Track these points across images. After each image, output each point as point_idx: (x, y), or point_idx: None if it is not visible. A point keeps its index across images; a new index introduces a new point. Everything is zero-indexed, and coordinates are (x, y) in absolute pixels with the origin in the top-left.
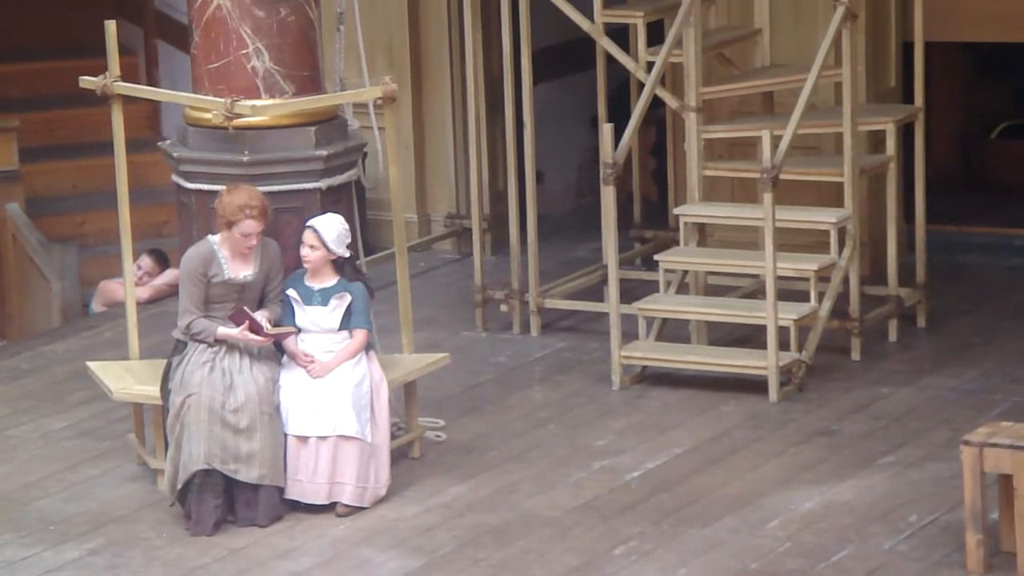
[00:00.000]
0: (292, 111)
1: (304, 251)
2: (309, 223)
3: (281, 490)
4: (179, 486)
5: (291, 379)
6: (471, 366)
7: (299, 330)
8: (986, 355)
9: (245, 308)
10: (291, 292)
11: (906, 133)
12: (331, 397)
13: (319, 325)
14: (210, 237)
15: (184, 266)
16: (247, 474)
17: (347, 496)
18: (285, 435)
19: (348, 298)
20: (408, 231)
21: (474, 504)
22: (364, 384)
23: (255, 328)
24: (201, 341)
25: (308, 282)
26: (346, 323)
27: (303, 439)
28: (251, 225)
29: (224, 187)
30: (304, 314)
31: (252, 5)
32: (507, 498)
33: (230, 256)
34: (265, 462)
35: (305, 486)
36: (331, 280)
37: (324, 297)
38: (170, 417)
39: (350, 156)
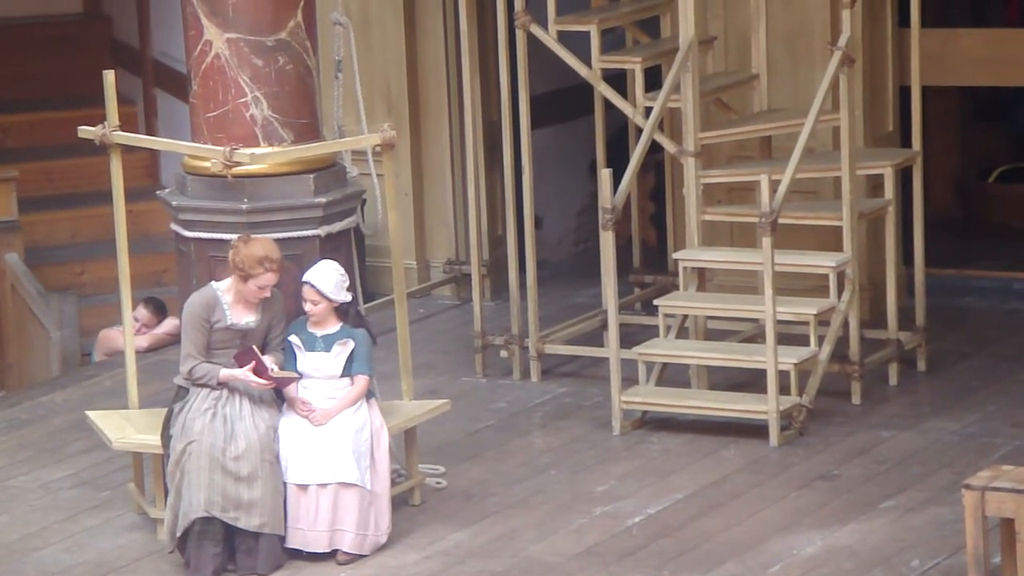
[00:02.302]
0: (291, 159)
1: (307, 307)
2: (305, 279)
3: (282, 538)
4: (179, 533)
5: (290, 427)
6: (471, 412)
7: (301, 376)
8: (987, 399)
9: (253, 347)
10: (293, 338)
11: (904, 177)
12: (331, 444)
13: (321, 371)
14: (213, 283)
15: (187, 312)
16: (247, 522)
17: (348, 544)
18: (285, 483)
19: (351, 344)
20: (407, 277)
21: (475, 551)
22: (364, 431)
23: (260, 371)
24: (204, 385)
25: (311, 328)
26: (348, 369)
27: (303, 487)
28: (270, 278)
29: (236, 237)
30: (306, 360)
31: (250, 54)
32: (508, 544)
33: (233, 302)
34: (266, 510)
35: (306, 534)
36: (334, 326)
37: (327, 343)
38: (170, 464)
39: (349, 203)
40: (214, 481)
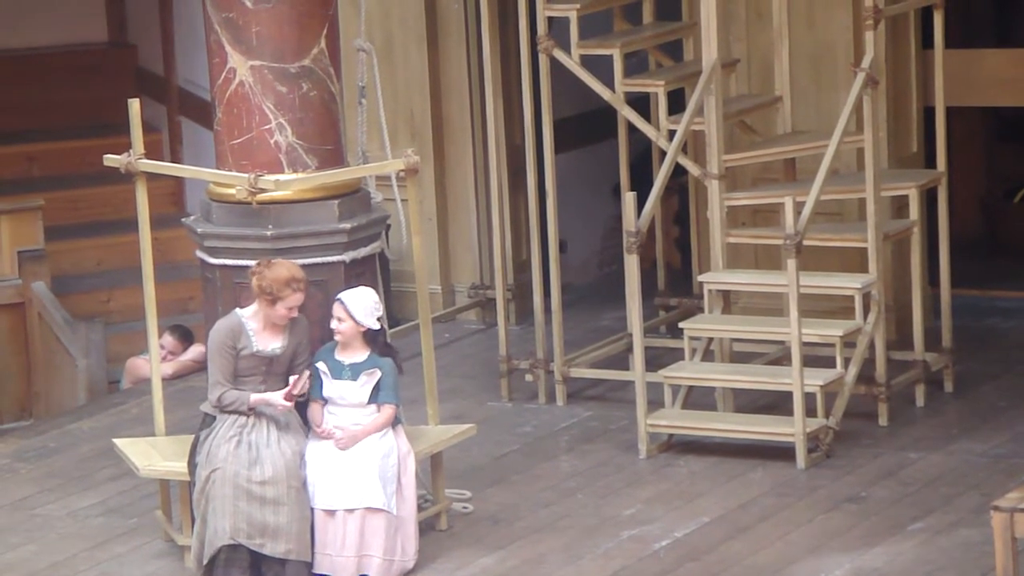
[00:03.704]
0: (315, 185)
1: (333, 323)
2: (338, 296)
3: (309, 564)
4: (205, 561)
5: (317, 452)
6: (497, 436)
7: (326, 401)
8: (1015, 419)
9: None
10: (320, 365)
11: (929, 198)
12: (358, 470)
13: (347, 399)
14: (237, 310)
15: (212, 339)
16: (273, 548)
17: (375, 570)
18: (312, 509)
19: (377, 375)
20: (432, 302)
21: (503, 575)
22: (391, 457)
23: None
24: (234, 411)
25: (339, 356)
26: (374, 398)
27: (330, 512)
28: (299, 299)
29: (256, 264)
30: (332, 387)
31: (274, 80)
32: (536, 569)
33: (259, 329)
34: (292, 536)
35: (334, 560)
36: (362, 354)
37: (354, 372)
38: (196, 491)
39: (374, 228)
40: (239, 508)
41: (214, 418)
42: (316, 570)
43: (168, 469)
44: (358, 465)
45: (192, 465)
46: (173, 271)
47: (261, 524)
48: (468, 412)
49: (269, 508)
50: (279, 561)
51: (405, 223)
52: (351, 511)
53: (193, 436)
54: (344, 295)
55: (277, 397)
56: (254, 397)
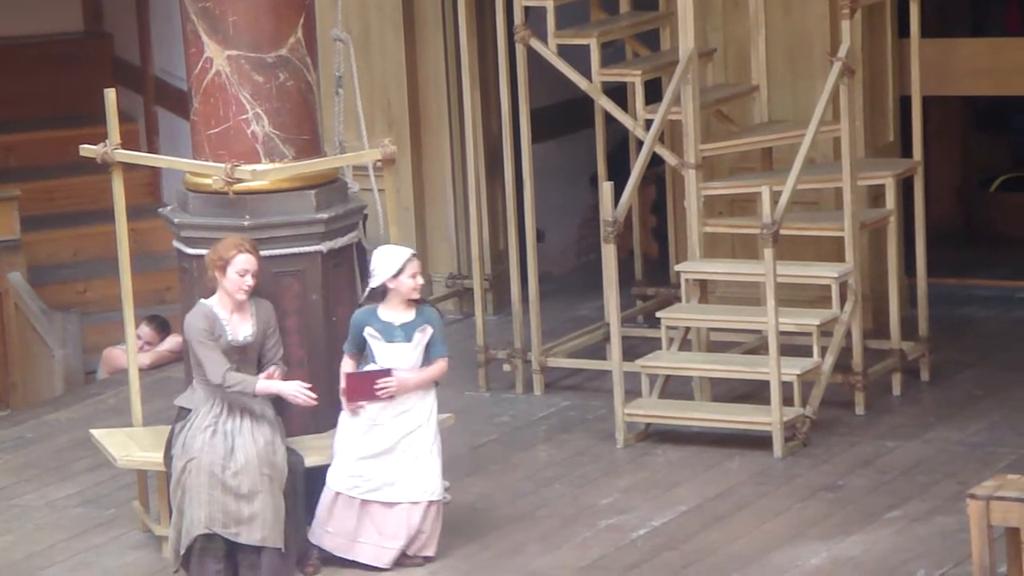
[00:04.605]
0: (292, 175)
1: (412, 280)
2: (412, 253)
3: (282, 552)
4: (182, 551)
5: (367, 441)
6: (475, 426)
7: (389, 370)
8: (991, 408)
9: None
10: (368, 330)
11: (905, 187)
12: (419, 461)
13: (403, 363)
14: (203, 301)
15: (191, 330)
16: (249, 536)
17: (432, 548)
18: (363, 500)
19: (430, 331)
20: None
21: (481, 565)
22: (438, 439)
23: (362, 389)
24: (241, 393)
25: (385, 317)
26: (427, 355)
27: (389, 505)
28: (246, 259)
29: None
30: (387, 351)
31: (251, 71)
32: (513, 559)
33: (228, 315)
34: (267, 524)
35: (379, 549)
36: (408, 312)
37: (407, 332)
38: (172, 482)
39: (351, 218)
40: (214, 497)
41: (188, 411)
42: (353, 557)
43: (145, 459)
44: (418, 456)
45: (168, 458)
46: (150, 261)
47: (236, 513)
48: (446, 402)
49: (244, 499)
50: (255, 549)
51: (382, 213)
52: (415, 503)
53: (169, 428)
54: (401, 248)
55: (291, 387)
56: (260, 385)
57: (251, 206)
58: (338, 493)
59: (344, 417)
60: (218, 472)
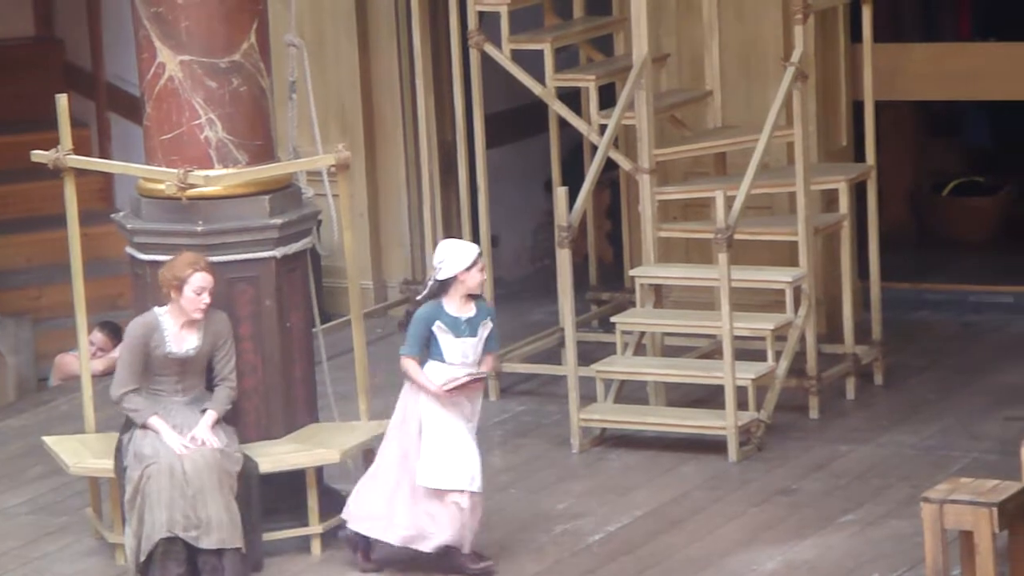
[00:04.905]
0: (245, 180)
1: (479, 275)
2: (464, 247)
3: (242, 552)
4: (143, 558)
5: (460, 431)
6: None
7: (483, 375)
8: (944, 411)
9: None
10: (437, 325)
11: (859, 191)
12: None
13: (469, 357)
14: (155, 308)
15: (128, 335)
16: (208, 541)
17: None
18: (472, 493)
19: (490, 325)
20: (364, 298)
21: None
22: None
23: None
24: (130, 417)
25: (451, 312)
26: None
27: (478, 494)
28: (202, 278)
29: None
30: (455, 346)
31: (204, 76)
32: None
33: (175, 327)
34: (223, 526)
35: (471, 537)
36: (469, 307)
37: (472, 327)
38: (129, 491)
39: (305, 224)
40: (175, 500)
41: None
42: (463, 548)
43: (98, 466)
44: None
45: (120, 469)
46: (103, 267)
47: (195, 517)
48: None
49: (199, 501)
50: (214, 552)
51: (336, 218)
52: (477, 493)
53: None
54: (450, 243)
55: (175, 441)
56: (153, 422)
57: (204, 212)
58: (431, 489)
59: (439, 417)
60: (179, 475)
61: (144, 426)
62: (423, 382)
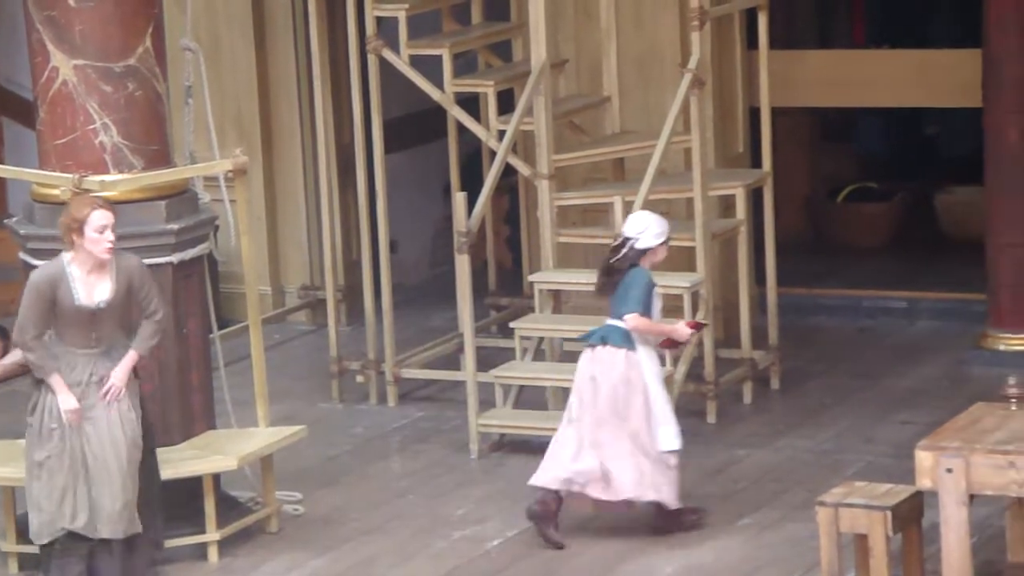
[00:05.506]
0: (141, 186)
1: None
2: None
3: (143, 536)
4: (45, 540)
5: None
6: (328, 438)
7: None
8: (839, 416)
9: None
10: (656, 288)
11: (755, 197)
12: None
13: (657, 316)
14: (62, 254)
15: (29, 284)
16: (113, 531)
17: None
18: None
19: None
20: (262, 303)
21: None
22: None
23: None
24: (34, 368)
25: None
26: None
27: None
28: (102, 215)
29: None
30: (658, 306)
31: (98, 80)
32: (367, 570)
33: (83, 274)
34: (125, 515)
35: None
36: None
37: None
38: (40, 455)
39: (202, 230)
40: (78, 492)
41: (42, 382)
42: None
43: None
44: None
45: (35, 430)
46: None
47: (96, 507)
48: (299, 414)
49: (104, 491)
50: (120, 540)
51: (234, 224)
52: None
53: (19, 437)
54: (644, 215)
55: (67, 403)
56: (54, 381)
57: None
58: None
59: (661, 383)
60: (78, 467)
61: (40, 381)
62: (667, 329)
